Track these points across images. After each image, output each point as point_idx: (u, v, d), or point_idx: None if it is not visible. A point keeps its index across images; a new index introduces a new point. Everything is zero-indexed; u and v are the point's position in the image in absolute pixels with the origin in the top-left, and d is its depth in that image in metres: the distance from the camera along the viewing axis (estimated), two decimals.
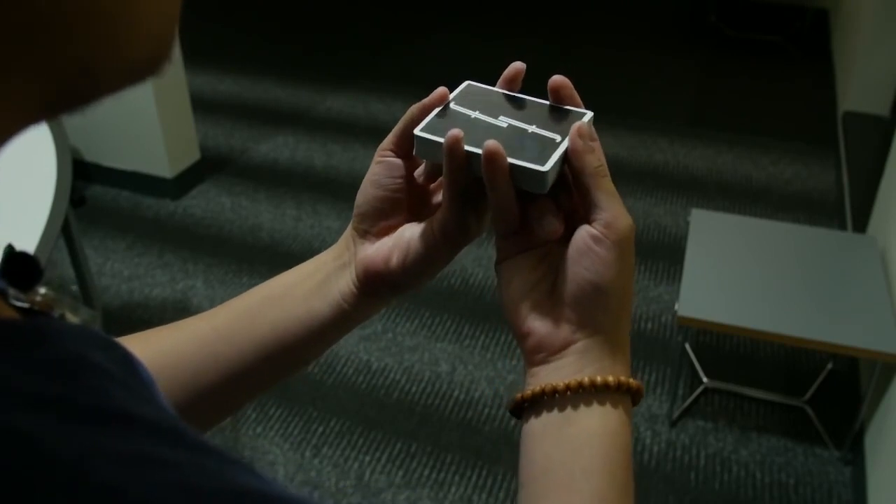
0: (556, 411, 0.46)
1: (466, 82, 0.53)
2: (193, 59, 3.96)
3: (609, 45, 4.69)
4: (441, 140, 0.48)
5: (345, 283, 0.54)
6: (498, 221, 0.49)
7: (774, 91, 4.19)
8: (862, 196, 2.89)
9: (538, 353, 0.48)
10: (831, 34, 4.77)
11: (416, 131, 0.50)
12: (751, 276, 2.15)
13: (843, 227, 3.05)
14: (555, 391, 0.46)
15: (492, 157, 0.46)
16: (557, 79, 0.50)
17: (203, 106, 3.91)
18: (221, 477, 0.25)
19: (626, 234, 0.46)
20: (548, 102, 0.51)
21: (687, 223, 2.36)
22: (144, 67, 0.28)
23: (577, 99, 0.50)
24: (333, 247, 0.56)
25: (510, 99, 0.51)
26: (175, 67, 3.17)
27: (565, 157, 0.47)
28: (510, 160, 0.46)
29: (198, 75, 4.21)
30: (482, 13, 5.11)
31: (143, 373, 0.29)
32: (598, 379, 0.45)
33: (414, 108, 0.50)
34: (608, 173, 0.47)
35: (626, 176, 3.39)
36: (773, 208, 3.21)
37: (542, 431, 0.46)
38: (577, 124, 0.47)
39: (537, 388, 0.46)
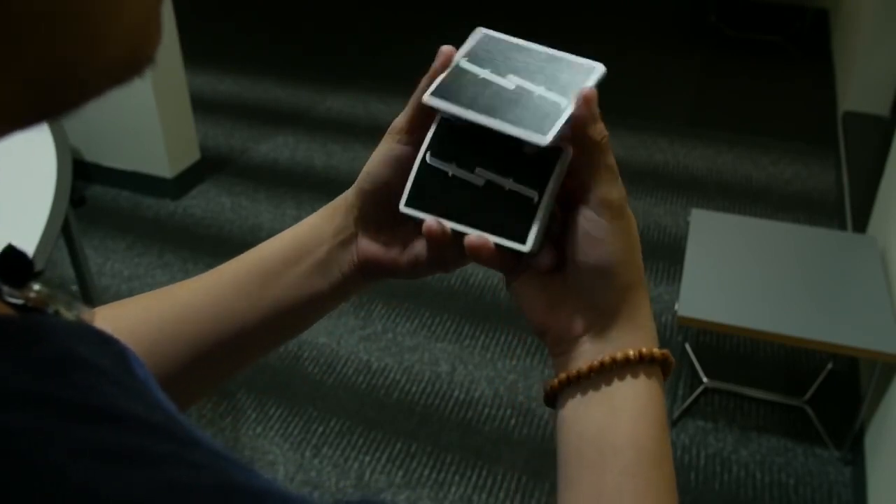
0: (579, 395, 0.47)
1: (482, 32, 0.50)
2: (193, 59, 3.96)
3: (609, 45, 4.68)
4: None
5: (347, 264, 0.54)
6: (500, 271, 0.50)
7: (774, 91, 4.19)
8: (862, 196, 2.89)
9: (559, 345, 0.49)
10: (831, 34, 4.77)
11: (425, 97, 0.49)
12: (751, 276, 2.15)
13: (843, 227, 3.05)
14: (578, 375, 0.47)
15: (476, 253, 0.47)
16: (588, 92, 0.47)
17: (203, 106, 3.91)
18: (212, 473, 0.24)
19: (619, 210, 0.46)
20: (559, 55, 0.49)
21: (687, 223, 2.36)
22: (126, 66, 0.27)
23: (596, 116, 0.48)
24: (332, 215, 0.55)
25: (521, 54, 0.49)
26: (175, 67, 3.17)
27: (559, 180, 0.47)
28: (493, 240, 0.47)
29: (198, 75, 4.20)
30: (482, 13, 5.11)
31: (138, 368, 0.29)
32: (619, 355, 0.46)
33: (424, 82, 0.50)
34: (607, 148, 0.46)
35: (626, 176, 3.37)
36: (773, 208, 3.21)
37: (572, 416, 0.47)
38: (579, 90, 0.45)
39: (563, 377, 0.47)
